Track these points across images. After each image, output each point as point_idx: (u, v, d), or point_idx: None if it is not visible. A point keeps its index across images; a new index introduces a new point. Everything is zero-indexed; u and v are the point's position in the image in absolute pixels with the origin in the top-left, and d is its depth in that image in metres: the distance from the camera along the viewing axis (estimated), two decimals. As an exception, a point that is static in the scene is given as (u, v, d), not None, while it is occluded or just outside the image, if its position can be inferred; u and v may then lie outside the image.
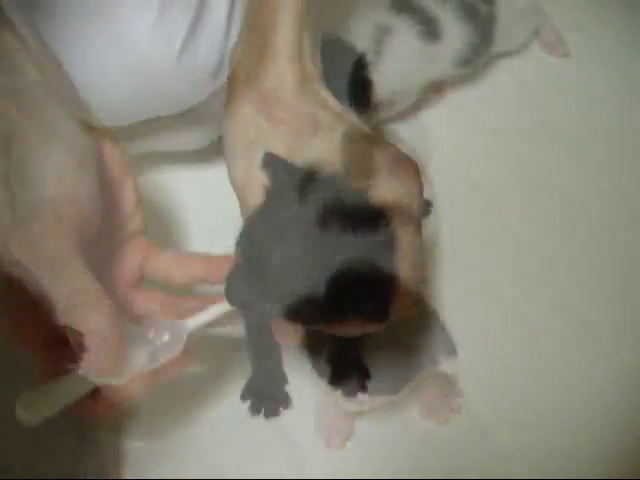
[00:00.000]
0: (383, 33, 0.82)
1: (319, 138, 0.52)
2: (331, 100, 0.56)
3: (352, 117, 0.56)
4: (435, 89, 0.91)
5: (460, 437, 0.67)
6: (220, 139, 0.79)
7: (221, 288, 0.48)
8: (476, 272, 0.77)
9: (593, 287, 0.77)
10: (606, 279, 0.78)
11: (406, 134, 0.86)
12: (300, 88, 0.55)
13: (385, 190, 0.49)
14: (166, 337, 0.48)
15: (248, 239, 0.48)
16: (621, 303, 0.76)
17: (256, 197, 0.50)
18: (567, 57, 0.97)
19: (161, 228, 0.78)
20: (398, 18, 0.83)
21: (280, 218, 0.47)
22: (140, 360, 0.47)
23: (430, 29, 0.84)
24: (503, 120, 0.91)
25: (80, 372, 0.45)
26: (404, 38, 0.83)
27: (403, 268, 0.48)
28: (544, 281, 0.77)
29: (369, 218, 0.47)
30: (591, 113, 0.92)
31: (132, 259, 0.57)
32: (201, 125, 0.77)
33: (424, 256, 0.52)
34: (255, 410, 0.67)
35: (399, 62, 0.83)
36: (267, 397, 0.68)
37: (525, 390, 0.70)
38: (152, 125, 0.74)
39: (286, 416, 0.67)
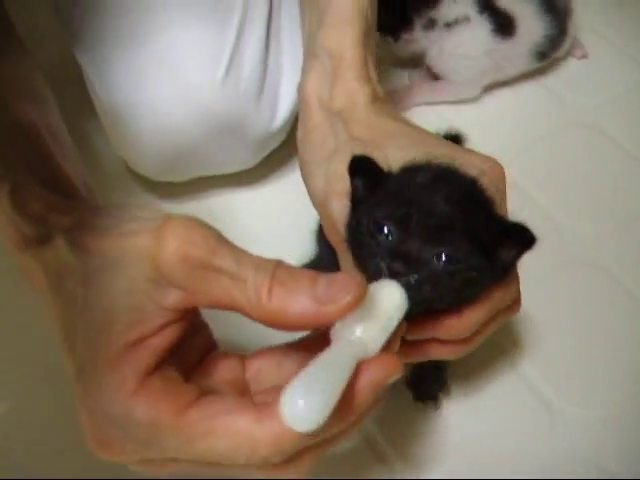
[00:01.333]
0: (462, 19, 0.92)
1: (399, 147, 0.53)
2: (404, 118, 0.59)
3: (427, 131, 0.58)
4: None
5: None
6: (262, 161, 0.85)
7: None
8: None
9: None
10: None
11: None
12: (372, 108, 0.57)
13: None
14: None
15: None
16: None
17: (337, 206, 0.52)
18: (586, 58, 1.02)
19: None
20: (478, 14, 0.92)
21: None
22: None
23: (505, 25, 0.92)
24: (526, 122, 0.96)
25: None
26: (478, 31, 0.93)
27: None
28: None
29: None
30: (612, 108, 0.97)
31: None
32: (245, 146, 0.81)
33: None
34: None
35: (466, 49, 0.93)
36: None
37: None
38: (199, 149, 0.79)
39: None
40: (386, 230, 0.46)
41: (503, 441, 0.68)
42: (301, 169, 0.59)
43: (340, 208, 0.52)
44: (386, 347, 0.39)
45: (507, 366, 0.73)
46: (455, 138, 0.78)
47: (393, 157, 0.51)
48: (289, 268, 0.39)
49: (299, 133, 0.60)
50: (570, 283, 0.79)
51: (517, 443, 0.68)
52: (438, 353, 0.52)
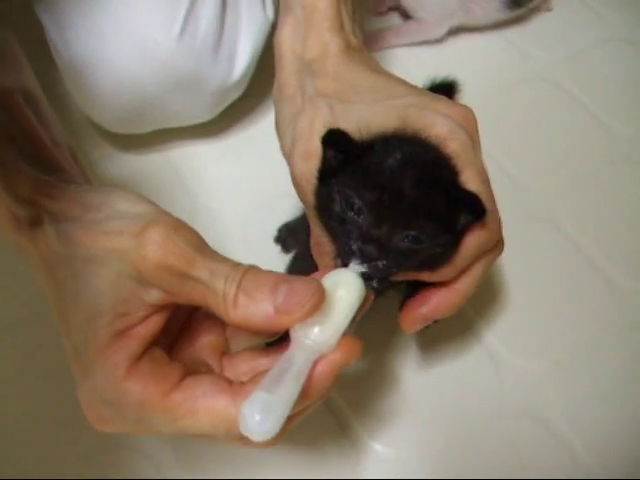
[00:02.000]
0: None
1: (365, 103, 0.53)
2: (377, 66, 0.58)
3: (397, 80, 0.57)
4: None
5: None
6: (222, 114, 0.86)
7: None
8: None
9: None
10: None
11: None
12: (343, 58, 0.56)
13: (447, 136, 0.51)
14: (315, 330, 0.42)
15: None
16: None
17: (299, 167, 0.53)
18: (550, 11, 1.02)
19: (181, 199, 0.84)
20: None
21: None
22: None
23: None
24: (486, 73, 0.97)
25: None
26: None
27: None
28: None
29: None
30: (574, 63, 0.98)
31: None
32: (203, 99, 0.82)
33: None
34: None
35: None
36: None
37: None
38: (158, 102, 0.80)
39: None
40: (357, 209, 0.48)
41: (454, 394, 0.71)
42: (275, 127, 0.60)
43: (302, 169, 0.53)
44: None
45: (457, 319, 0.75)
46: (449, 86, 0.80)
47: (359, 114, 0.52)
48: (256, 276, 0.42)
49: (274, 90, 0.60)
50: (521, 237, 0.80)
51: (467, 395, 0.71)
52: (437, 302, 0.53)
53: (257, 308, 0.41)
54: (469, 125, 0.54)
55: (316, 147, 0.51)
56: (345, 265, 0.47)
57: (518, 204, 0.84)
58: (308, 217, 0.55)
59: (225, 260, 0.43)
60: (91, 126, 0.89)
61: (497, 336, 0.75)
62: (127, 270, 0.42)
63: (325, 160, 0.51)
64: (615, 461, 0.68)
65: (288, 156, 0.56)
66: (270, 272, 0.43)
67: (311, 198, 0.53)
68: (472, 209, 0.49)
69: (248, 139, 0.90)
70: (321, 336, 0.42)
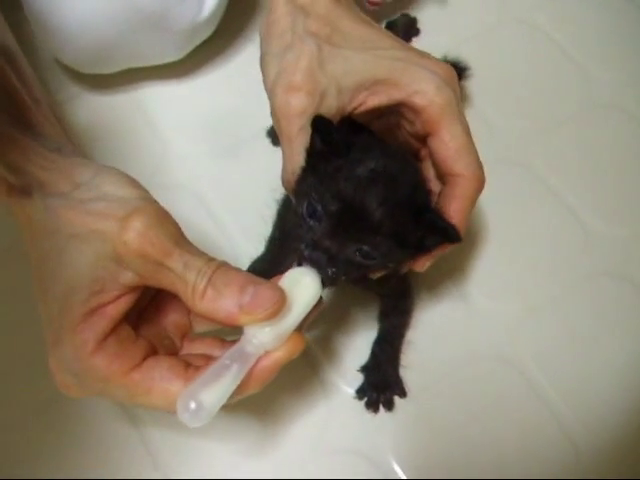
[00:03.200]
0: None
1: (353, 50, 0.56)
2: (366, 18, 0.59)
3: (385, 32, 0.59)
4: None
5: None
6: (193, 53, 0.84)
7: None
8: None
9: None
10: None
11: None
12: (335, 6, 0.57)
13: (434, 92, 0.55)
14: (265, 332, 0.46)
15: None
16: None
17: (280, 98, 0.54)
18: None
19: (151, 141, 0.83)
20: None
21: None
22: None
23: None
24: (464, 15, 0.94)
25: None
26: None
27: (467, 161, 0.55)
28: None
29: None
30: (552, 4, 0.95)
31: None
32: (172, 38, 0.80)
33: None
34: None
35: None
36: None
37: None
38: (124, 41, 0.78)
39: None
40: (317, 216, 0.50)
41: (427, 338, 0.71)
42: (260, 61, 0.59)
43: (283, 101, 0.54)
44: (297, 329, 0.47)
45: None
46: (460, 69, 0.83)
47: (346, 59, 0.55)
48: (226, 273, 0.46)
49: (262, 27, 0.59)
50: (496, 181, 0.78)
51: (439, 339, 0.72)
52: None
53: (223, 303, 0.45)
54: (453, 82, 0.57)
55: (299, 81, 0.54)
56: (300, 264, 0.49)
57: (494, 147, 0.83)
58: (283, 150, 0.56)
59: (200, 254, 0.46)
60: (58, 66, 0.86)
61: (471, 280, 0.75)
62: (107, 251, 0.45)
63: (313, 143, 0.53)
64: (586, 406, 0.69)
65: (270, 89, 0.56)
66: (240, 271, 0.47)
67: (288, 131, 0.55)
68: (448, 237, 0.51)
69: (219, 79, 0.87)
70: (270, 336, 0.46)
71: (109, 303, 0.46)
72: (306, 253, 0.49)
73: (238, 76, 0.85)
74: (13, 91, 0.55)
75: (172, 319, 0.52)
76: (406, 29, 0.90)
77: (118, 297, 0.46)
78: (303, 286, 0.48)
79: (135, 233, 0.44)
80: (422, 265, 0.57)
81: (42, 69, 0.86)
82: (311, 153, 0.53)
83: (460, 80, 0.82)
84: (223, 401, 0.44)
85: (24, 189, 0.49)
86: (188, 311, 0.52)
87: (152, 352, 0.48)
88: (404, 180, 0.52)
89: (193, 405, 0.43)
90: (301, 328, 0.48)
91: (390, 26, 0.89)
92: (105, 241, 0.45)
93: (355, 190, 0.49)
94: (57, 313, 0.46)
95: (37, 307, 0.49)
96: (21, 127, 0.52)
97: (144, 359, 0.47)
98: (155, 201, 0.48)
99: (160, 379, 0.46)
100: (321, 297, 0.49)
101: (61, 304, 0.46)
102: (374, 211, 0.49)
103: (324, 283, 0.49)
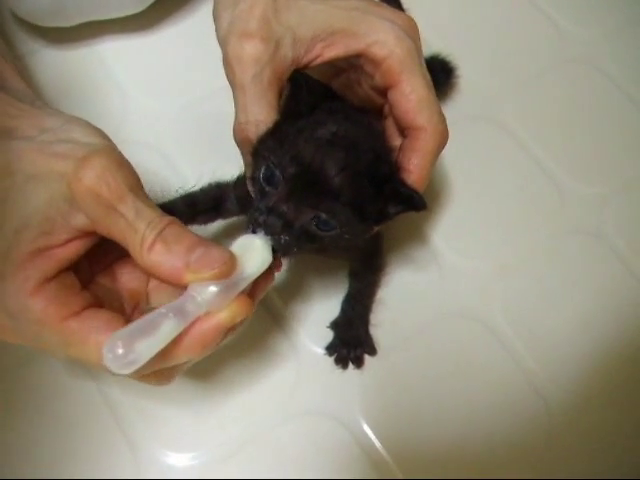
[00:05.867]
0: None
1: (309, 0, 0.54)
2: None
3: None
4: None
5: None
6: (154, 5, 0.81)
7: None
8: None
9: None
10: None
11: None
12: None
13: (394, 42, 0.53)
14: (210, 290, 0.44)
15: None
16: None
17: (233, 47, 0.53)
18: None
19: (112, 96, 0.80)
20: None
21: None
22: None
23: None
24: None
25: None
26: None
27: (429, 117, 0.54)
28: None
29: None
30: None
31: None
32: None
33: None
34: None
35: None
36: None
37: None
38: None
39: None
40: (275, 181, 0.48)
41: (397, 296, 0.71)
42: (213, 11, 0.57)
43: (235, 49, 0.53)
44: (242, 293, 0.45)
45: (402, 221, 0.74)
46: (447, 68, 0.81)
47: (302, 10, 0.54)
48: (178, 230, 0.45)
49: None
50: (467, 137, 0.79)
51: (410, 296, 0.71)
52: None
53: (169, 258, 0.44)
54: (414, 33, 0.56)
55: (254, 28, 0.52)
56: (254, 232, 0.48)
57: (464, 103, 0.82)
58: (235, 100, 0.54)
59: (154, 207, 0.45)
60: (15, 20, 0.82)
61: (442, 238, 0.74)
62: (62, 190, 0.44)
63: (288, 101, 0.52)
64: (556, 362, 0.69)
65: (223, 37, 0.55)
66: (192, 233, 0.45)
67: (241, 78, 0.53)
68: (414, 205, 0.50)
69: (181, 32, 0.85)
70: (213, 295, 0.43)
71: (57, 246, 0.45)
72: (260, 218, 0.48)
73: (200, 29, 0.82)
74: None
75: (129, 286, 0.51)
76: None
77: (67, 241, 0.45)
78: (253, 250, 0.46)
79: (91, 171, 0.44)
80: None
81: (-1, 23, 0.83)
82: (284, 114, 0.52)
83: (448, 79, 0.82)
84: (154, 351, 0.41)
85: None
86: (147, 282, 0.52)
87: (96, 306, 0.47)
88: (367, 147, 0.50)
89: (120, 349, 0.40)
90: (253, 297, 0.47)
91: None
92: (61, 181, 0.44)
93: (315, 153, 0.48)
94: (5, 250, 0.45)
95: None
96: None
97: (84, 309, 0.45)
98: (119, 151, 0.47)
99: (97, 331, 0.44)
100: (271, 267, 0.48)
101: (10, 241, 0.45)
102: (334, 177, 0.47)
103: (276, 251, 0.48)
